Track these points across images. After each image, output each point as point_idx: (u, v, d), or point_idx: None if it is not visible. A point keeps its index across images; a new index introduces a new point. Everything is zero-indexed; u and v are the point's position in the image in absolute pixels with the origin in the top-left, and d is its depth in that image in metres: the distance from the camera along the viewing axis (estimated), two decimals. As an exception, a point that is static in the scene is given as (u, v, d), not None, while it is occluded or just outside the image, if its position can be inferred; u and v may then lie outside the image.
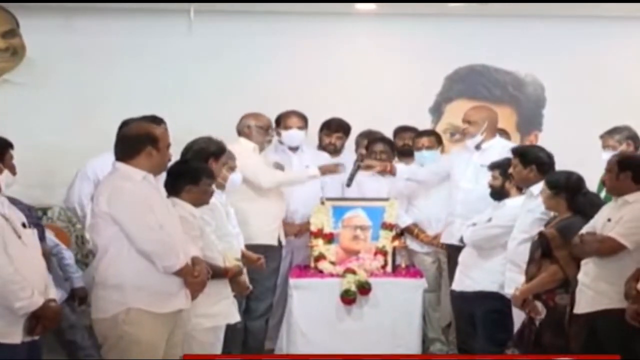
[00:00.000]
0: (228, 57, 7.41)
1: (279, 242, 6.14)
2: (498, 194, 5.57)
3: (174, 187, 4.57)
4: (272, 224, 5.99)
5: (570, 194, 4.87)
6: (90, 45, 7.29)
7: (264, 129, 6.10)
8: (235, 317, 4.85)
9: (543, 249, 4.82)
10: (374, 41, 7.61)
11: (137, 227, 4.03)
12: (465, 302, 5.72)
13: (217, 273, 4.60)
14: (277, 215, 6.08)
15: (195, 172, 4.63)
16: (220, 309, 4.71)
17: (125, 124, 5.02)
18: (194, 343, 4.53)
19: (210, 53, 7.40)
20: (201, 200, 4.62)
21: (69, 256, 5.82)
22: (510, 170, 5.33)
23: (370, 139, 6.63)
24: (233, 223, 5.21)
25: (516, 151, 5.40)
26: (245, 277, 5.02)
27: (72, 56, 7.30)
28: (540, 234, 4.88)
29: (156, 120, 5.47)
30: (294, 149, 6.49)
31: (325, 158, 6.51)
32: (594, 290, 4.47)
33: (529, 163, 5.24)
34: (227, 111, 6.50)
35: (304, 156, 6.49)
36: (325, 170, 6.11)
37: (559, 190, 4.89)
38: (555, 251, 4.77)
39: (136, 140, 4.17)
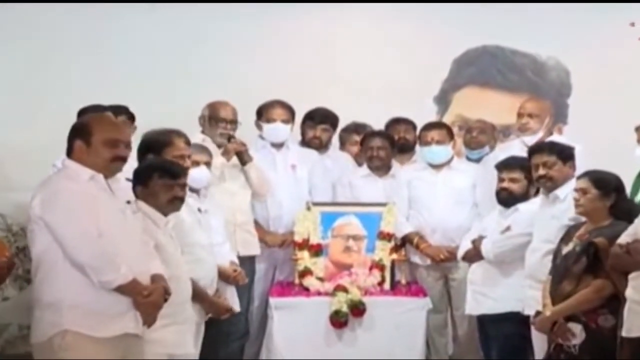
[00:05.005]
0: (204, 44, 7.00)
1: (248, 254, 5.75)
2: (515, 199, 5.29)
3: (133, 190, 4.32)
4: None
5: (617, 196, 4.64)
6: (36, 28, 6.82)
7: (214, 120, 5.81)
8: (185, 349, 4.40)
9: (590, 262, 4.48)
10: (369, 18, 7.19)
11: (69, 235, 3.76)
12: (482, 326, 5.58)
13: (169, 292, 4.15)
14: (226, 220, 5.56)
15: (144, 169, 4.34)
16: (163, 335, 4.19)
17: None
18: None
19: (184, 39, 6.98)
20: (158, 204, 4.29)
21: None
22: (542, 171, 5.03)
23: (367, 133, 6.32)
24: (215, 231, 5.01)
25: (552, 147, 5.14)
26: (220, 297, 4.86)
27: (16, 40, 6.82)
28: (590, 243, 4.53)
29: (119, 110, 5.42)
30: (278, 146, 6.13)
31: (313, 155, 6.23)
32: None
33: (568, 159, 5.06)
34: (204, 102, 6.06)
35: (289, 154, 6.16)
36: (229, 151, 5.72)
37: (609, 192, 4.61)
38: (606, 263, 4.45)
39: (70, 133, 3.98)
